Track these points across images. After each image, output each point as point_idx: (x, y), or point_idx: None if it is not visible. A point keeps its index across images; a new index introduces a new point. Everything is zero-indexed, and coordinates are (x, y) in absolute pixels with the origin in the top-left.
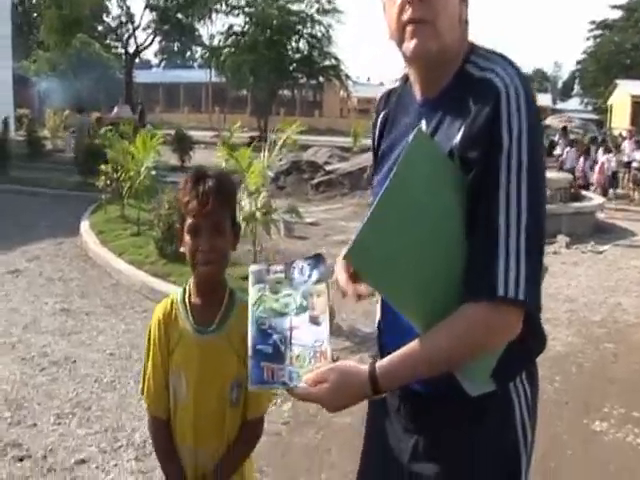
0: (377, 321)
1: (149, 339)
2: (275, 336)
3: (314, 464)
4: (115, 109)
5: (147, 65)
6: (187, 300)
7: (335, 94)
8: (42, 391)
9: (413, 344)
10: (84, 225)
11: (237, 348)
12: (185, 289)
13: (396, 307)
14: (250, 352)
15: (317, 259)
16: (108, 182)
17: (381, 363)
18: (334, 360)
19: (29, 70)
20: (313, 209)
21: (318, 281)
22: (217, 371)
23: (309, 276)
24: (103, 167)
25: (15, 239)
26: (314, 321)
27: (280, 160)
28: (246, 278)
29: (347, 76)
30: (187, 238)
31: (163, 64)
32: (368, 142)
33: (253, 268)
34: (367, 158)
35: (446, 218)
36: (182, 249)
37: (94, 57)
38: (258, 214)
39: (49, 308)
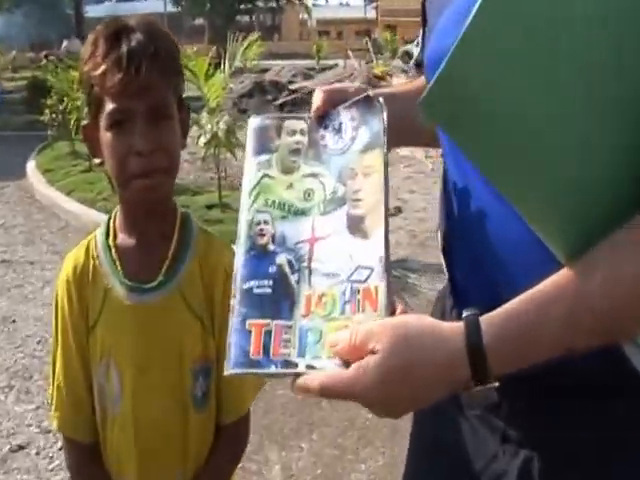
0: (440, 239)
1: (55, 314)
2: (281, 257)
3: (302, 422)
4: (64, 43)
5: None
6: (111, 243)
7: (294, 17)
8: None
9: (555, 282)
10: (30, 165)
11: (198, 309)
12: (108, 225)
13: (516, 204)
14: (233, 295)
15: (366, 105)
16: (54, 116)
17: (489, 318)
18: (392, 311)
19: None
20: None
21: (368, 148)
22: (168, 352)
23: (352, 139)
24: (48, 100)
25: None
26: (357, 227)
27: (241, 82)
28: (212, 207)
29: None
30: (107, 137)
31: None
32: (330, 62)
33: (254, 122)
34: (333, 74)
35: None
36: (97, 161)
37: None
38: (221, 134)
39: None
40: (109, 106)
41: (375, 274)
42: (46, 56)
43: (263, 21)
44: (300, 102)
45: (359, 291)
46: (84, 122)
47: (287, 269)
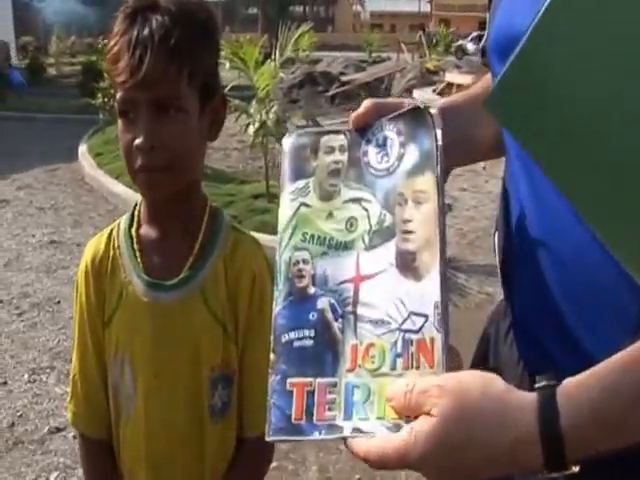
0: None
1: (75, 304)
2: (323, 300)
3: None
4: None
5: None
6: (134, 233)
7: (347, 9)
8: (18, 340)
9: None
10: (81, 149)
11: (220, 312)
12: (133, 214)
13: (598, 228)
14: (272, 350)
15: (416, 118)
16: (106, 100)
17: (568, 390)
18: (453, 366)
19: None
20: (329, 122)
21: (418, 169)
22: (183, 356)
23: (399, 158)
24: (101, 84)
25: (6, 167)
26: (408, 265)
27: (292, 73)
28: (258, 196)
29: None
30: (119, 127)
31: None
32: (382, 55)
33: (288, 140)
34: (385, 67)
35: None
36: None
37: None
38: (270, 124)
39: (36, 241)
40: (118, 93)
41: (430, 323)
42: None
43: (316, 12)
44: (351, 94)
45: (412, 342)
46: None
47: (330, 315)
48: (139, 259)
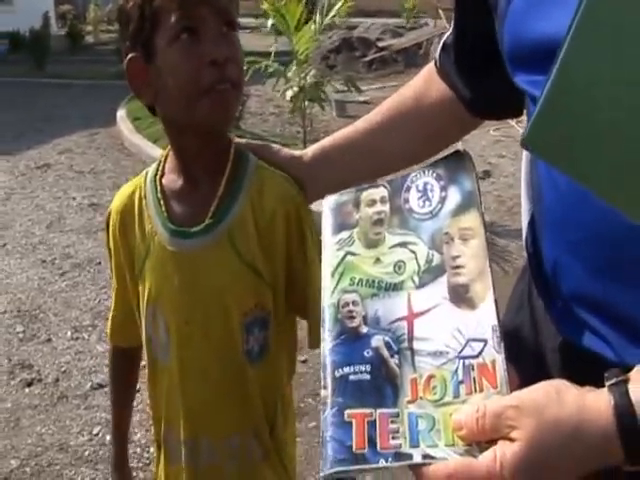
0: (526, 217)
1: (108, 249)
2: (377, 338)
3: None
4: None
5: None
6: (158, 182)
7: None
8: (60, 299)
9: None
10: (120, 113)
11: (249, 256)
12: (159, 165)
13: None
14: (323, 386)
15: (455, 162)
16: None
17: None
18: (515, 387)
19: None
20: (366, 88)
21: (461, 209)
22: (213, 303)
23: (441, 200)
24: None
25: (47, 132)
26: (462, 296)
27: (330, 38)
28: None
29: None
30: (170, 52)
31: None
32: (421, 21)
33: (330, 201)
34: (423, 33)
35: None
36: (143, 100)
37: None
38: (308, 86)
39: (76, 204)
40: (173, 16)
41: (489, 346)
42: None
43: None
44: (388, 59)
45: (473, 367)
46: (130, 55)
47: (385, 352)
48: (163, 208)
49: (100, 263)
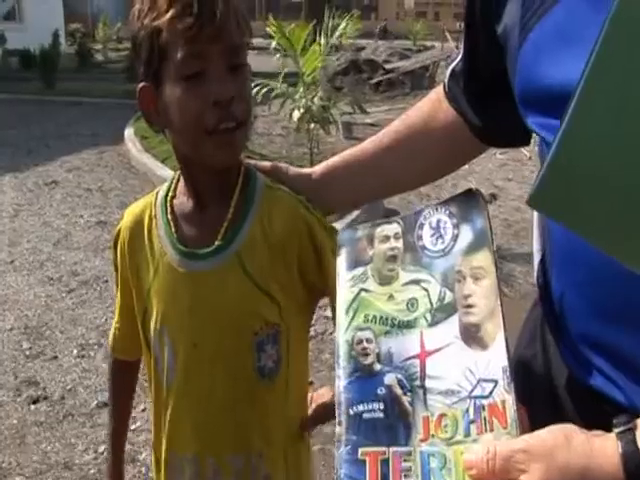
0: (537, 257)
1: (115, 265)
2: (390, 376)
3: None
4: None
5: None
6: (169, 203)
7: None
8: (67, 317)
9: None
10: (128, 132)
11: (259, 277)
12: (170, 185)
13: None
14: (337, 423)
15: (467, 200)
16: None
17: None
18: (524, 427)
19: None
20: (373, 110)
21: (473, 248)
22: (223, 325)
23: (453, 238)
24: None
25: (56, 149)
26: (473, 336)
27: (337, 60)
28: None
29: None
30: (176, 90)
31: None
32: (427, 43)
33: (343, 235)
34: (430, 55)
35: None
36: (153, 128)
37: None
38: (314, 108)
39: (84, 221)
40: (180, 54)
41: (500, 387)
42: None
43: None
44: (395, 82)
45: (484, 408)
46: (141, 84)
47: (398, 390)
48: (173, 229)
49: (107, 281)
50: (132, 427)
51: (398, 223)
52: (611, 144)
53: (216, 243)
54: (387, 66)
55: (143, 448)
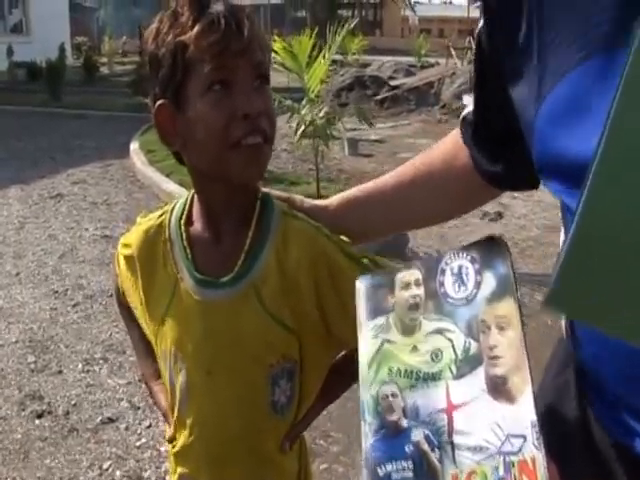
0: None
1: (119, 284)
2: (417, 432)
3: None
4: None
5: None
6: (184, 228)
7: (396, 13)
8: (72, 331)
9: None
10: (134, 145)
11: (275, 308)
12: (184, 205)
13: None
14: None
15: (489, 246)
16: None
17: None
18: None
19: None
20: (378, 126)
21: (497, 295)
22: (238, 356)
23: (476, 285)
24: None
25: (61, 162)
26: (500, 389)
27: (342, 76)
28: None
29: None
30: (201, 104)
31: None
32: (431, 60)
33: (363, 282)
34: (434, 72)
35: None
36: (171, 148)
37: None
38: (318, 122)
39: (89, 235)
40: (207, 67)
41: (529, 442)
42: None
43: (365, 16)
44: (400, 98)
45: (514, 464)
46: (159, 102)
47: (426, 446)
48: (190, 255)
49: (112, 295)
50: (137, 444)
51: (419, 268)
52: (630, 230)
53: (233, 272)
54: (392, 82)
55: (148, 465)
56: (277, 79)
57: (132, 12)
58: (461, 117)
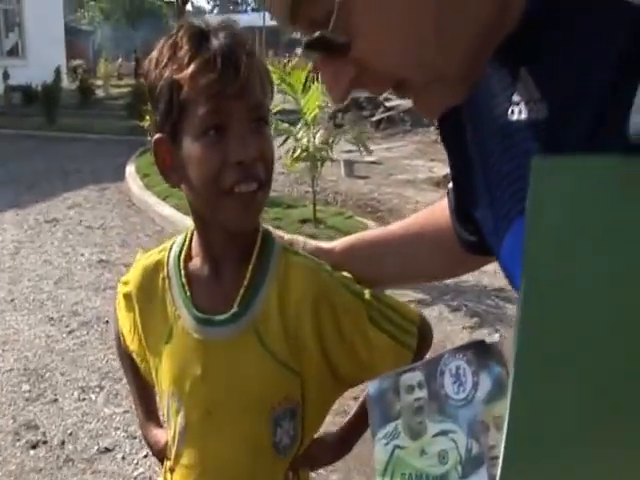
0: None
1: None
2: None
3: None
4: None
5: (200, 12)
6: (182, 265)
7: None
8: (68, 358)
9: None
10: (129, 169)
11: (275, 347)
12: (184, 241)
13: None
14: None
15: (482, 347)
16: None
17: None
18: None
19: (82, 20)
20: (374, 147)
21: (493, 396)
22: (238, 396)
23: (474, 386)
24: (149, 106)
25: (57, 186)
26: None
27: None
28: (305, 221)
29: None
30: (196, 147)
31: (216, 10)
32: None
33: (371, 389)
34: None
35: None
36: (169, 182)
37: (146, 5)
38: (312, 148)
39: (85, 260)
40: (201, 110)
41: None
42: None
43: None
44: (395, 119)
45: None
46: (157, 135)
47: None
48: (188, 293)
49: (107, 322)
50: (134, 474)
51: (420, 370)
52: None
53: (232, 310)
54: (388, 104)
55: None
56: (273, 100)
57: (128, 35)
58: (448, 187)
